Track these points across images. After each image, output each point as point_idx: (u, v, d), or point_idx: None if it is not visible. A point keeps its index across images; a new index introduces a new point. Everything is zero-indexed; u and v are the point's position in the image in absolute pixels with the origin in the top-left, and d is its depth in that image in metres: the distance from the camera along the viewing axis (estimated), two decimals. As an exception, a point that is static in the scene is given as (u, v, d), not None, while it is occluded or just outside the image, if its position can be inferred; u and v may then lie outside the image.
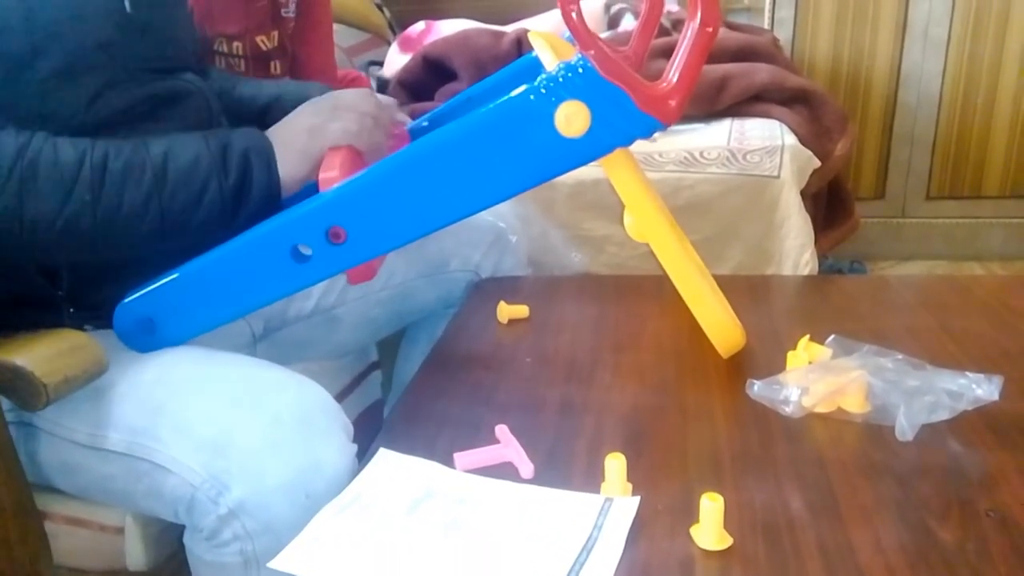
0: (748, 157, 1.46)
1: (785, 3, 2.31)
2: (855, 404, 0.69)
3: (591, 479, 0.62)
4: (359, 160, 0.80)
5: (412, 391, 0.80)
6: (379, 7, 2.28)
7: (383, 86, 1.85)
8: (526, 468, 0.64)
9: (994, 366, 0.73)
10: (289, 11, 1.26)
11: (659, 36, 1.79)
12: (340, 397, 1.13)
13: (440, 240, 1.02)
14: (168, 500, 0.69)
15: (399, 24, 2.25)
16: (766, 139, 1.52)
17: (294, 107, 0.82)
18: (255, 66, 1.24)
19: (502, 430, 0.68)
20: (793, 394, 0.69)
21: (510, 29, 1.84)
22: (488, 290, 1.01)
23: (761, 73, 1.68)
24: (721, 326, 0.77)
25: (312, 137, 0.78)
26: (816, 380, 0.70)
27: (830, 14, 2.30)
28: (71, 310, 0.77)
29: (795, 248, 1.41)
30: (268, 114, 0.94)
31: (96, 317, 0.76)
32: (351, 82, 1.60)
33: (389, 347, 1.19)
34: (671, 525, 0.57)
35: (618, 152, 0.73)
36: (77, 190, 0.68)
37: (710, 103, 1.64)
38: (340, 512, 0.60)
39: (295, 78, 1.29)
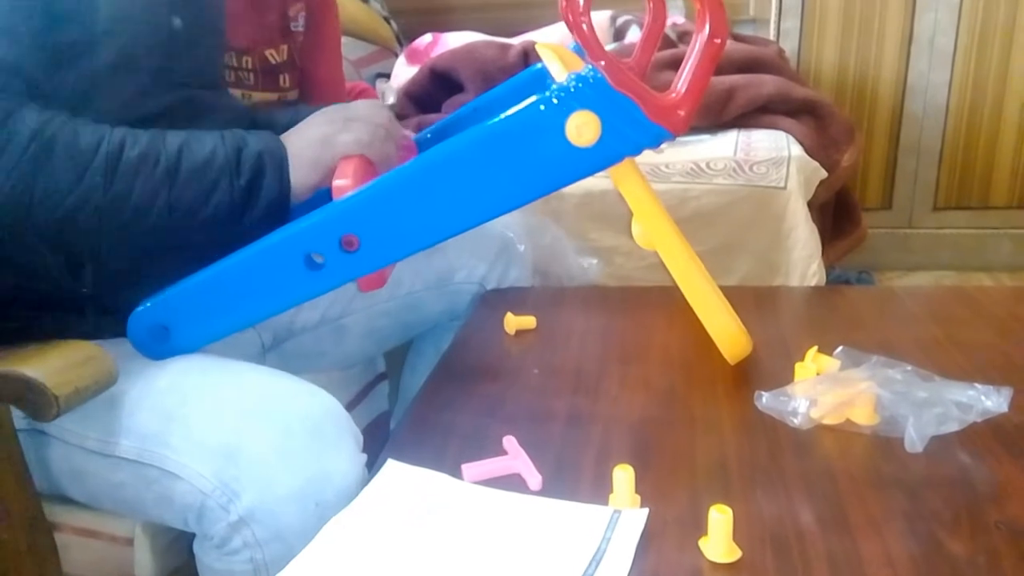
0: (754, 168, 1.46)
1: (791, 14, 2.32)
2: (864, 416, 0.69)
3: (599, 490, 0.62)
4: (371, 169, 0.81)
5: (420, 402, 0.80)
6: (387, 20, 2.29)
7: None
8: (534, 480, 0.64)
9: (1003, 377, 0.73)
10: (298, 25, 1.27)
11: (664, 48, 1.80)
12: (348, 408, 1.12)
13: (446, 251, 1.02)
14: (178, 507, 0.69)
15: (406, 37, 2.26)
16: (772, 150, 1.52)
17: None
18: (264, 80, 1.24)
19: (510, 441, 0.68)
20: (801, 406, 0.69)
21: (516, 41, 1.85)
22: (495, 301, 1.01)
23: (767, 84, 1.68)
24: (728, 332, 0.78)
25: (324, 147, 0.79)
26: (824, 392, 0.70)
27: (836, 25, 2.31)
28: (94, 315, 0.77)
29: (802, 259, 1.41)
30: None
31: (118, 323, 0.77)
32: (359, 94, 1.61)
33: (396, 358, 1.20)
34: (680, 537, 0.57)
35: (625, 161, 0.73)
36: (90, 173, 0.68)
37: (716, 114, 1.64)
38: (348, 523, 0.60)
39: (303, 91, 1.30)
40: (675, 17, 2.18)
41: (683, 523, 0.58)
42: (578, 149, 0.70)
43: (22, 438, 0.71)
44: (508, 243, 1.09)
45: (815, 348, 0.77)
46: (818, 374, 0.75)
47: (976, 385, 0.68)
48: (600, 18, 1.99)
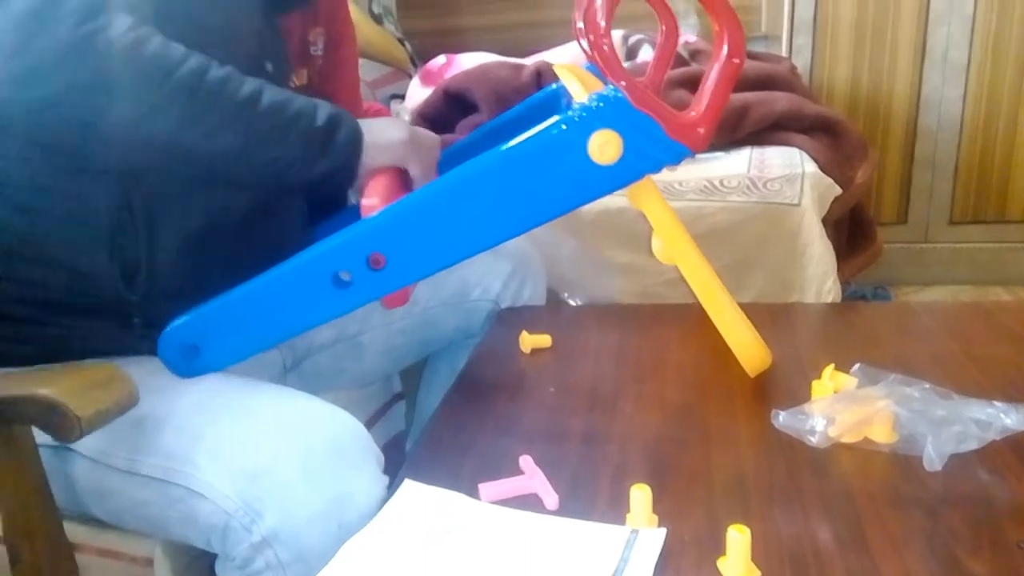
0: (768, 185, 1.46)
1: (803, 31, 2.32)
2: (882, 434, 0.69)
3: (616, 510, 0.62)
4: (398, 188, 0.82)
5: (436, 422, 0.80)
6: (401, 41, 2.32)
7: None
8: (551, 499, 0.64)
9: (1022, 394, 0.73)
10: (317, 49, 1.29)
11: (677, 66, 1.81)
12: (365, 428, 1.14)
13: (462, 269, 1.03)
14: (202, 527, 0.70)
15: (420, 58, 2.29)
16: (786, 167, 1.52)
17: None
18: None
19: (526, 461, 0.69)
20: (819, 424, 0.69)
21: (529, 61, 1.87)
22: (510, 320, 1.02)
23: (780, 101, 1.68)
24: (749, 346, 0.79)
25: (397, 149, 0.82)
26: (842, 410, 0.69)
27: (848, 41, 2.31)
28: (139, 325, 0.78)
29: (817, 275, 1.40)
30: None
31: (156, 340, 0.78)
32: (375, 114, 1.63)
33: (412, 378, 1.20)
34: (698, 557, 0.57)
35: (644, 179, 0.75)
36: (177, 77, 0.68)
37: (730, 132, 1.64)
38: (366, 544, 0.60)
39: None
40: (687, 35, 2.19)
41: (701, 543, 0.58)
42: (600, 167, 0.72)
43: (48, 455, 0.72)
44: (523, 261, 1.10)
45: (832, 366, 0.77)
46: (835, 392, 0.75)
47: (995, 403, 0.68)
48: (613, 37, 2.00)
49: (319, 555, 0.63)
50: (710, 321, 0.80)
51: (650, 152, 0.72)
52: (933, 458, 0.64)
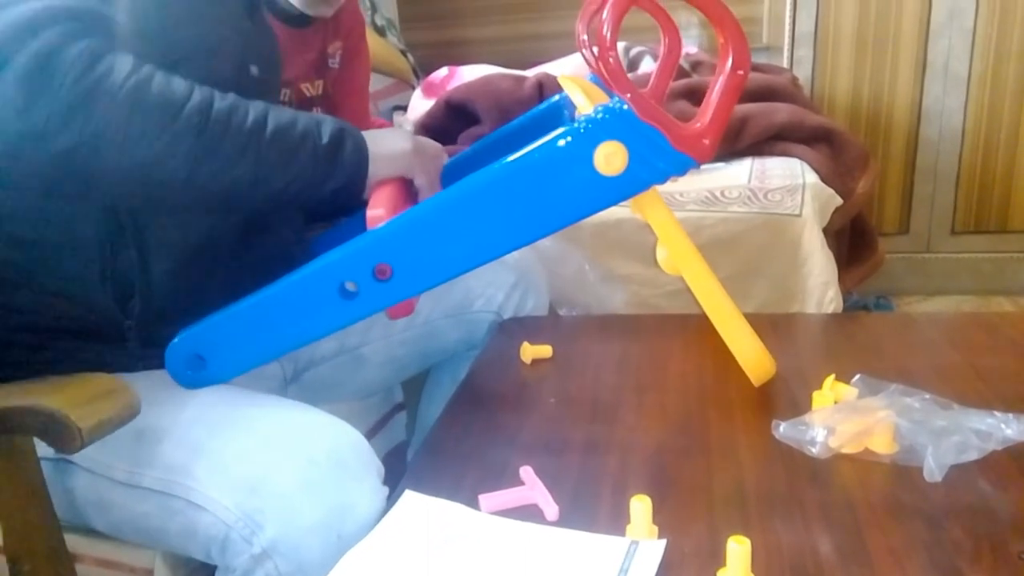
0: (769, 196, 1.46)
1: (804, 42, 2.33)
2: (882, 445, 0.69)
3: (616, 521, 0.62)
4: (404, 198, 0.83)
5: (437, 432, 0.80)
6: (403, 53, 2.33)
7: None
8: (551, 510, 0.64)
9: (1023, 405, 0.72)
10: (335, 61, 1.31)
11: (679, 78, 1.82)
12: (366, 438, 1.13)
13: (464, 280, 1.03)
14: (202, 539, 0.70)
15: (423, 70, 2.30)
16: (787, 177, 1.53)
17: None
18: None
19: (527, 471, 0.69)
20: (820, 435, 0.69)
21: (531, 73, 1.87)
22: (511, 330, 1.02)
23: (781, 113, 1.69)
24: (753, 354, 0.79)
25: (402, 159, 0.83)
26: (842, 420, 0.69)
27: (849, 52, 2.32)
28: (136, 346, 0.78)
29: (819, 286, 1.40)
30: None
31: (156, 357, 0.78)
32: (378, 127, 1.64)
33: (413, 388, 1.20)
34: (698, 569, 0.57)
35: (649, 189, 0.75)
36: (184, 114, 0.69)
37: (730, 143, 1.65)
38: (366, 555, 0.60)
39: None
40: (688, 47, 2.20)
41: (701, 554, 0.58)
42: (606, 178, 0.72)
43: (49, 467, 0.72)
44: (525, 272, 1.10)
45: (832, 376, 0.77)
46: (836, 402, 0.75)
47: (996, 413, 0.68)
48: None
49: (319, 566, 0.63)
50: (710, 332, 0.80)
51: (656, 163, 0.73)
52: (933, 469, 0.64)
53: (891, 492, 0.64)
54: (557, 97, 1.01)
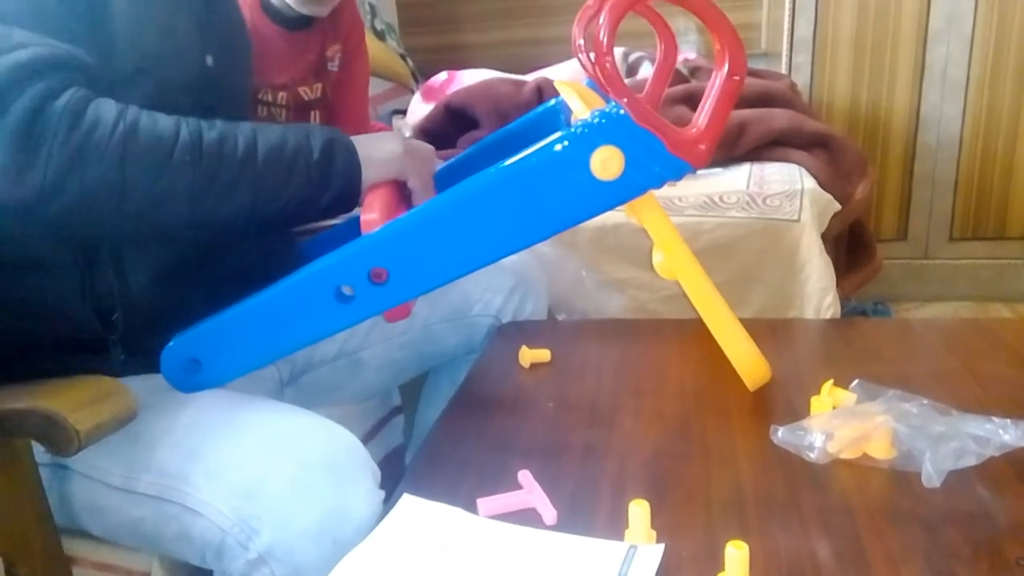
0: (768, 201, 1.46)
1: (802, 48, 2.34)
2: (881, 450, 0.69)
3: (615, 526, 0.62)
4: (397, 202, 0.83)
5: (435, 436, 0.80)
6: (403, 57, 2.33)
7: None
8: (549, 514, 0.64)
9: (1021, 410, 0.72)
10: (334, 64, 1.31)
11: (677, 83, 1.82)
12: (364, 442, 1.12)
13: (463, 284, 1.03)
14: (197, 544, 0.70)
15: (422, 74, 2.30)
16: (785, 183, 1.53)
17: None
18: (296, 115, 1.28)
19: (525, 476, 0.68)
20: (818, 440, 0.69)
21: (530, 78, 1.88)
22: (510, 334, 1.02)
23: (779, 118, 1.69)
24: (749, 359, 0.79)
25: (394, 162, 0.82)
26: (841, 426, 0.69)
27: (847, 58, 2.32)
28: (122, 356, 0.78)
29: (817, 291, 1.40)
30: None
31: (146, 365, 0.78)
32: (376, 131, 1.64)
33: (411, 392, 1.20)
34: (696, 573, 0.57)
35: (645, 193, 0.75)
36: (177, 153, 0.68)
37: (728, 148, 1.65)
38: (364, 559, 0.60)
39: (331, 126, 1.33)
40: (687, 53, 2.20)
41: (699, 559, 0.58)
42: (602, 183, 0.72)
43: (45, 473, 0.72)
44: (524, 276, 1.10)
45: (831, 381, 0.77)
46: (834, 408, 0.75)
47: (993, 418, 0.68)
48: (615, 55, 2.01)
49: (315, 571, 0.63)
50: (709, 336, 0.80)
51: (652, 168, 0.73)
52: (931, 474, 0.64)
53: (889, 497, 0.64)
54: (553, 101, 1.01)
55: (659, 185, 0.74)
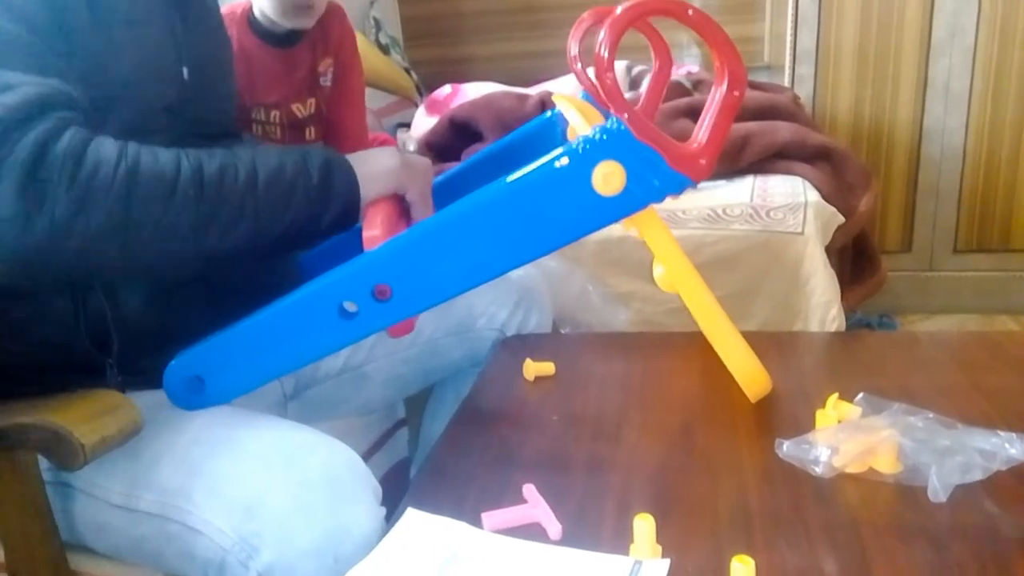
0: (771, 214, 1.47)
1: (805, 60, 2.34)
2: (886, 464, 0.69)
3: (620, 540, 0.62)
4: (398, 217, 0.83)
5: (439, 449, 0.80)
6: (407, 71, 2.35)
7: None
8: (554, 529, 0.64)
9: (1027, 424, 0.72)
10: (326, 79, 1.31)
11: (680, 96, 1.83)
12: (368, 455, 1.13)
13: (467, 298, 1.03)
14: (199, 562, 0.70)
15: (426, 87, 2.32)
16: (789, 196, 1.53)
17: None
18: (290, 133, 1.28)
19: (529, 490, 0.68)
20: (823, 454, 0.68)
21: (534, 92, 1.89)
22: (514, 347, 1.02)
23: (782, 131, 1.70)
24: (749, 371, 0.79)
25: (392, 177, 0.82)
26: (846, 439, 0.69)
27: (850, 71, 2.33)
28: (119, 377, 0.78)
29: (821, 304, 1.40)
30: None
31: (144, 383, 0.78)
32: (380, 144, 1.65)
33: (416, 405, 1.20)
34: (701, 588, 0.57)
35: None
36: (180, 188, 0.68)
37: (732, 161, 1.66)
38: (369, 573, 0.60)
39: (328, 142, 1.33)
40: (690, 66, 2.21)
41: (705, 574, 0.58)
42: (604, 198, 0.73)
43: (48, 491, 0.72)
44: (528, 289, 1.10)
45: (836, 395, 0.77)
46: (839, 421, 0.74)
47: (1000, 432, 0.67)
48: (616, 68, 2.02)
49: (316, 588, 0.63)
50: (713, 350, 0.80)
51: (653, 182, 0.73)
52: (938, 489, 0.64)
53: (895, 512, 0.64)
54: (550, 113, 1.01)
55: (660, 199, 0.75)
